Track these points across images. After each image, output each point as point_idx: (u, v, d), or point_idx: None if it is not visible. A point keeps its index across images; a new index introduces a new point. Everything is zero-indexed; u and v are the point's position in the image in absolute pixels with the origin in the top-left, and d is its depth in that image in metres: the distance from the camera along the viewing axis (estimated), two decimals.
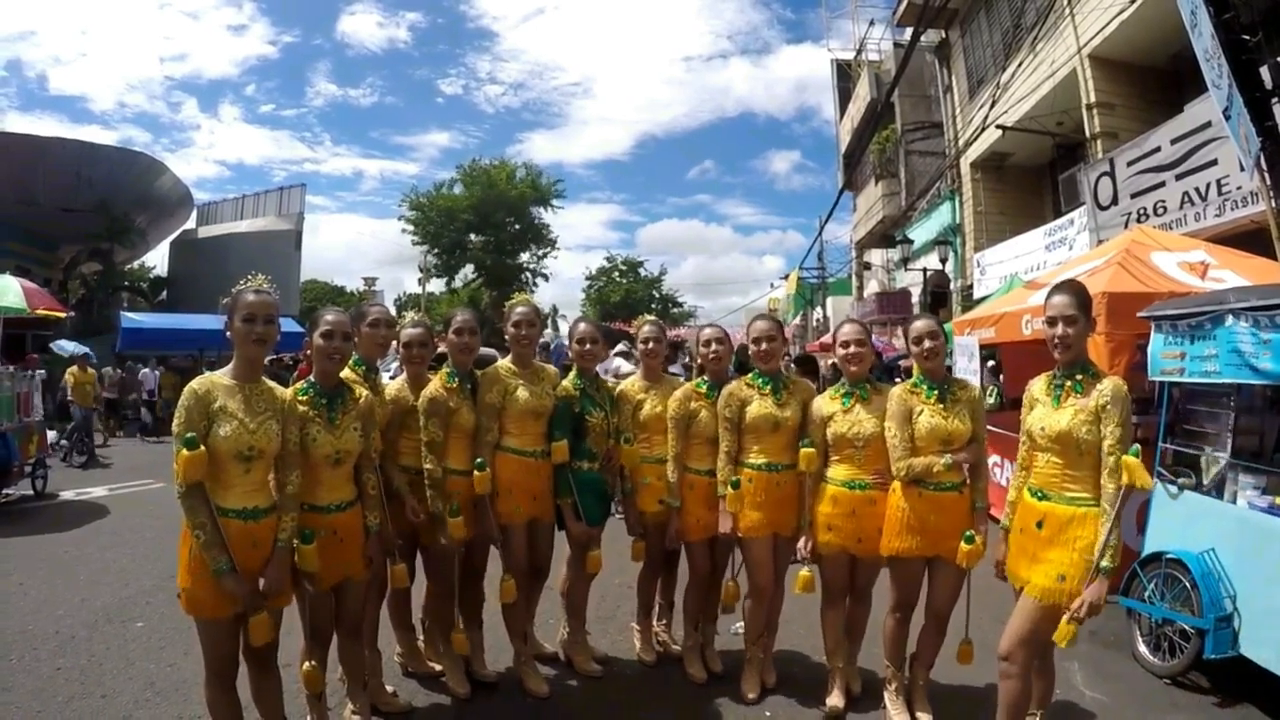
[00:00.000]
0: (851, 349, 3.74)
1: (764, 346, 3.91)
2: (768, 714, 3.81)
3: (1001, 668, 3.08)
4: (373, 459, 3.35)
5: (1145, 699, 4.08)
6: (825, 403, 3.80)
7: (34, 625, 4.81)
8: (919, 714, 3.66)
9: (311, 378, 3.20)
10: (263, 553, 2.82)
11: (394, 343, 3.97)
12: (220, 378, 2.83)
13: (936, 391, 3.52)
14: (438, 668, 4.07)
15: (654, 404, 4.13)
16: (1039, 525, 3.06)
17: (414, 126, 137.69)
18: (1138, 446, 2.87)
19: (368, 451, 3.29)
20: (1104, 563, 2.84)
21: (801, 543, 3.78)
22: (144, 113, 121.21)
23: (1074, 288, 3.12)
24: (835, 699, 3.79)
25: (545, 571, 4.17)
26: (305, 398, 3.09)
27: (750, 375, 3.95)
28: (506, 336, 4.05)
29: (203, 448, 2.64)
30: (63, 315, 12.36)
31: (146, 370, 16.66)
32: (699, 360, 4.33)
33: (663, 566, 4.37)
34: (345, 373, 3.37)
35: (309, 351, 3.23)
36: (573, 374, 4.14)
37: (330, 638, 3.31)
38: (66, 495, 9.63)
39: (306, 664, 3.17)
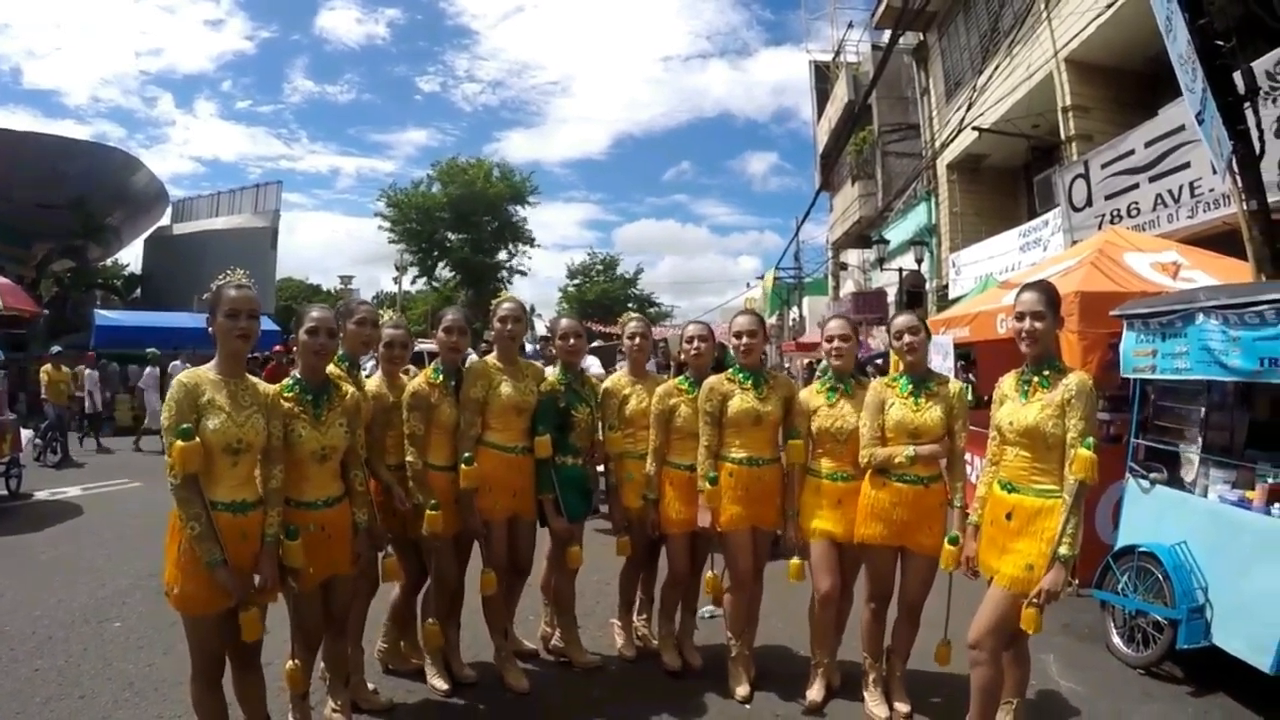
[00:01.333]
0: (836, 343, 3.80)
1: (745, 342, 3.95)
2: (748, 708, 3.84)
3: (971, 655, 3.16)
4: (360, 455, 3.36)
5: (1120, 689, 4.15)
6: (811, 396, 3.88)
7: (11, 626, 4.76)
8: (897, 705, 3.71)
9: (297, 374, 3.20)
10: (251, 546, 2.83)
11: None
12: (206, 372, 2.83)
13: (911, 385, 3.60)
14: (414, 662, 4.08)
15: (639, 399, 4.17)
16: (1008, 517, 3.15)
17: (391, 124, 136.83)
18: (1092, 440, 2.95)
19: (354, 448, 3.29)
20: (1062, 550, 2.93)
21: (789, 533, 3.86)
22: (119, 107, 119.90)
23: (1043, 286, 3.24)
24: (815, 693, 3.83)
25: (527, 570, 4.18)
26: (291, 394, 3.09)
27: (731, 370, 3.99)
28: (492, 332, 4.07)
29: (198, 439, 2.65)
30: (37, 313, 12.24)
31: (177, 363, 16.32)
32: (681, 356, 4.37)
33: (646, 561, 4.40)
34: (330, 368, 3.38)
35: (282, 349, 3.23)
36: (558, 369, 4.17)
37: (320, 637, 3.30)
38: (41, 495, 9.50)
39: (290, 663, 3.17)
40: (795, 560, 3.86)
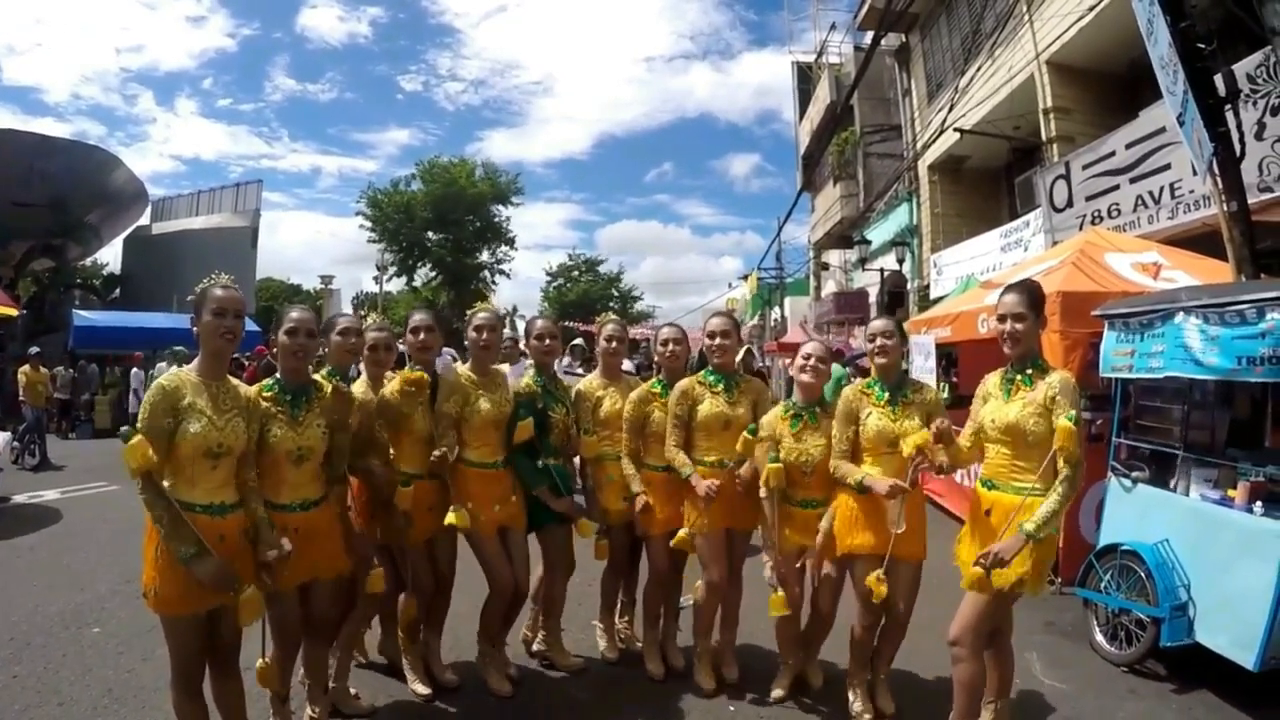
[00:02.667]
0: (812, 361, 3.78)
1: (718, 342, 3.94)
2: (731, 708, 3.83)
3: (953, 652, 3.17)
4: (342, 467, 3.32)
5: (1104, 687, 4.18)
6: (776, 422, 3.79)
7: None
8: (881, 705, 3.71)
9: (277, 375, 3.17)
10: (229, 548, 2.77)
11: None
12: (188, 374, 2.80)
13: (887, 394, 3.58)
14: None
15: (613, 401, 4.16)
16: (987, 514, 3.17)
17: (373, 123, 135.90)
18: (1074, 413, 2.93)
19: (336, 453, 3.25)
20: (1029, 526, 2.91)
21: (767, 569, 3.79)
22: (99, 105, 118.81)
23: (1025, 287, 3.24)
24: (778, 692, 3.88)
25: (525, 590, 4.08)
26: (269, 394, 3.06)
27: (703, 373, 3.98)
28: (467, 342, 4.03)
29: (139, 437, 2.55)
30: (15, 313, 12.09)
31: (162, 365, 16.24)
32: (655, 359, 4.36)
33: (626, 564, 4.38)
34: (320, 380, 3.33)
35: (266, 350, 3.20)
36: (532, 371, 4.14)
37: (298, 639, 3.25)
38: (19, 499, 9.35)
39: (260, 661, 3.06)
40: (777, 595, 3.74)
